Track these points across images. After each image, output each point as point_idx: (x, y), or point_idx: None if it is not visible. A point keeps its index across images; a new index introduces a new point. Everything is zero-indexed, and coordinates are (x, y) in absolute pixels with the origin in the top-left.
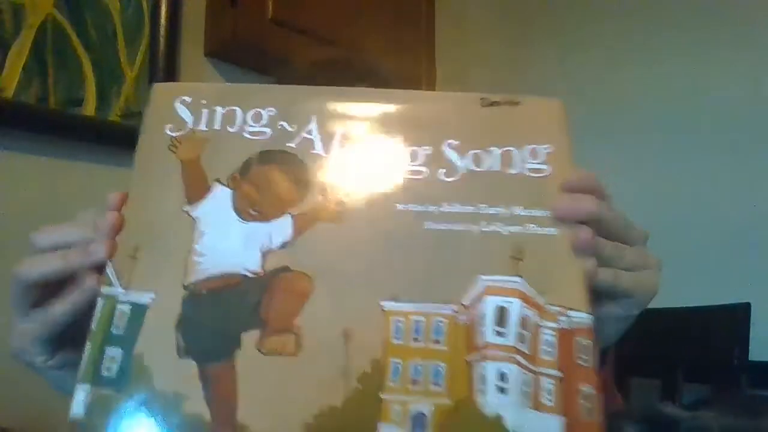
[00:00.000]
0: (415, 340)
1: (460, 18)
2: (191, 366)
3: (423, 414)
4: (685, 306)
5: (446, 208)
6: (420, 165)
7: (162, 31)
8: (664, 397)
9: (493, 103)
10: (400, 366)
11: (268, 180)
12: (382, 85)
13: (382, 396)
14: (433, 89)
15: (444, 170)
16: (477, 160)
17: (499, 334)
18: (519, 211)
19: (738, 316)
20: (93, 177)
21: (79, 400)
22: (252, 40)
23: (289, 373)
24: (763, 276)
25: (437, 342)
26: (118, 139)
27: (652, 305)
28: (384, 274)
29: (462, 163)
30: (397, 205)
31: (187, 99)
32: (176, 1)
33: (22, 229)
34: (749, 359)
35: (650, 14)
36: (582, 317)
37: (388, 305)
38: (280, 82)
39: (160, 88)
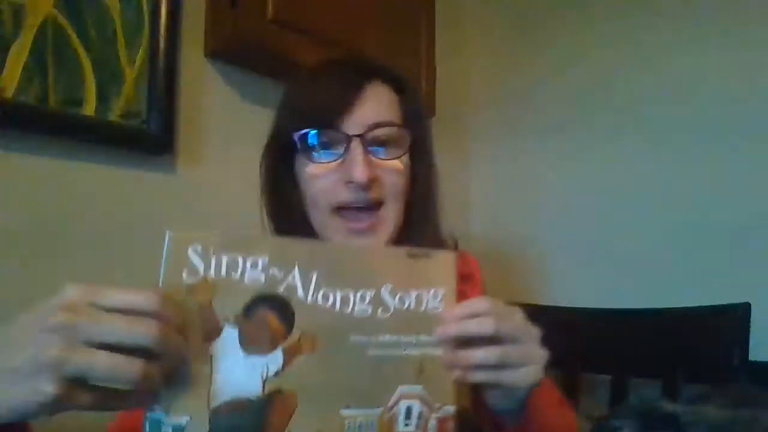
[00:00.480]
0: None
1: (460, 18)
2: None
3: None
4: (685, 306)
5: (381, 338)
6: (366, 305)
7: (162, 31)
8: (664, 396)
9: (413, 256)
10: None
11: (264, 321)
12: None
13: None
14: (433, 89)
15: (381, 309)
16: (401, 301)
17: (406, 425)
18: (423, 338)
19: (738, 316)
20: (93, 177)
21: None
22: (252, 40)
23: None
24: (763, 276)
25: None
26: (118, 139)
27: (652, 305)
28: (342, 390)
29: (392, 303)
30: (351, 337)
31: (198, 248)
32: (176, 1)
33: (22, 229)
34: (749, 359)
35: (652, 14)
36: (449, 410)
37: (344, 412)
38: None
39: (175, 238)
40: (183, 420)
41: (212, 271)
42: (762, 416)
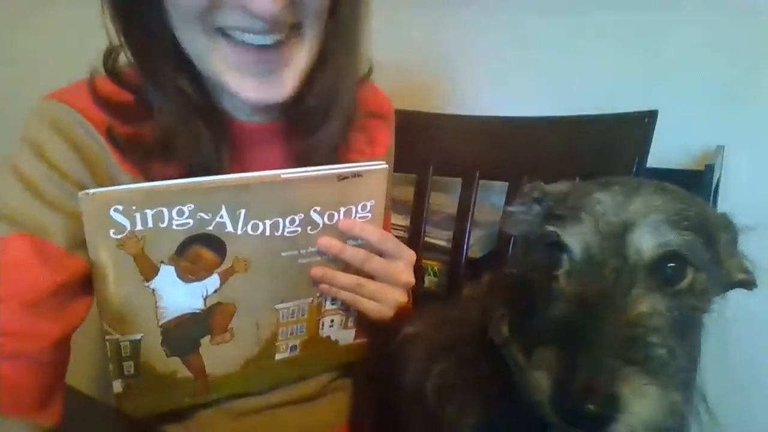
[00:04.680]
0: (291, 317)
1: None
2: (177, 359)
3: (295, 345)
4: (591, 114)
5: (311, 249)
6: (296, 226)
7: None
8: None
9: (344, 178)
10: (285, 330)
11: (198, 255)
12: None
13: (276, 342)
14: None
15: (310, 227)
16: (330, 217)
17: (332, 304)
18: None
19: (644, 123)
20: None
21: (117, 386)
22: None
23: (229, 349)
24: (672, 83)
25: (302, 315)
26: None
27: (559, 113)
28: (276, 292)
29: (321, 220)
30: (282, 253)
31: (120, 207)
32: None
33: None
34: (648, 166)
35: None
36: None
37: (278, 306)
38: None
39: (94, 198)
40: (138, 336)
41: (139, 226)
42: None
